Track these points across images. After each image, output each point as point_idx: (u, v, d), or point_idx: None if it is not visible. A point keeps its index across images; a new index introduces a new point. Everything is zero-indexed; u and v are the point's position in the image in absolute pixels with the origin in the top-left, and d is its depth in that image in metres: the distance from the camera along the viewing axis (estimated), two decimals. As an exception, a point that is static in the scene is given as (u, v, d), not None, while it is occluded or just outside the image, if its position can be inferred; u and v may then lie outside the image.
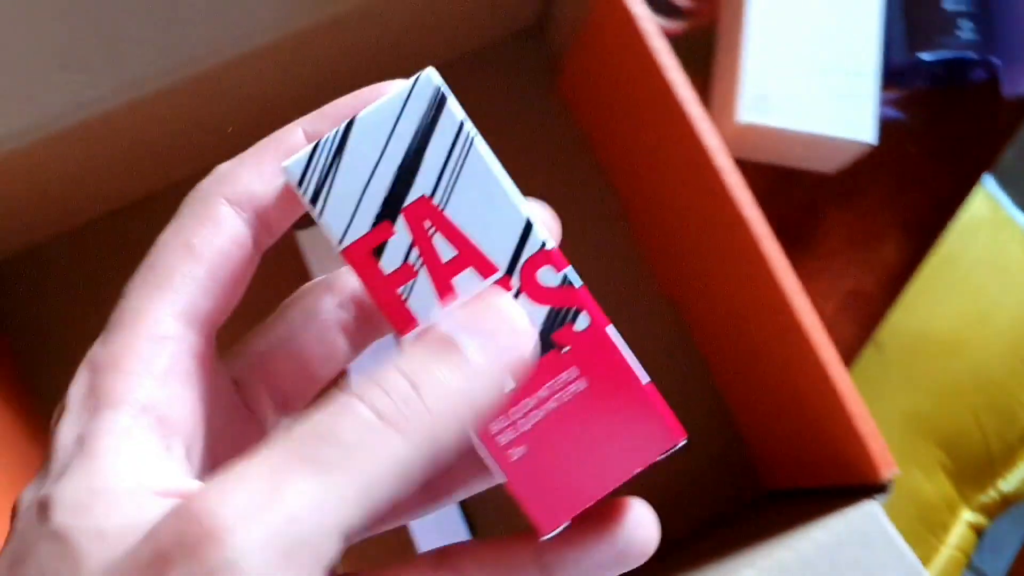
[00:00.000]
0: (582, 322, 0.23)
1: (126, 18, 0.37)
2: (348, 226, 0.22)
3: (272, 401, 0.26)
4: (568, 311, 0.23)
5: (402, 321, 0.22)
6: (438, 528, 0.45)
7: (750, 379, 0.48)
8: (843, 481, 0.42)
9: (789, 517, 0.42)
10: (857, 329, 0.54)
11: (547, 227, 0.23)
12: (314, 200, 0.22)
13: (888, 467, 0.39)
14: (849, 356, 0.54)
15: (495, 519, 0.49)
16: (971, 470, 0.55)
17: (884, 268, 0.55)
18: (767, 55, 0.50)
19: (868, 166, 0.55)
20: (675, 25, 0.56)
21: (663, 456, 0.23)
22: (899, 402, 0.55)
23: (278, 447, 0.19)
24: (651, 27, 0.41)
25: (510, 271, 0.22)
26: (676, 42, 0.54)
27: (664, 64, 0.41)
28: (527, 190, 0.57)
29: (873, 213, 0.55)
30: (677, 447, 0.23)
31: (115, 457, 0.20)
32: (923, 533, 0.55)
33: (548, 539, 0.22)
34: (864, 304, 0.55)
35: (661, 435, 0.23)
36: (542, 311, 0.23)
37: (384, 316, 0.22)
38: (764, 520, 0.46)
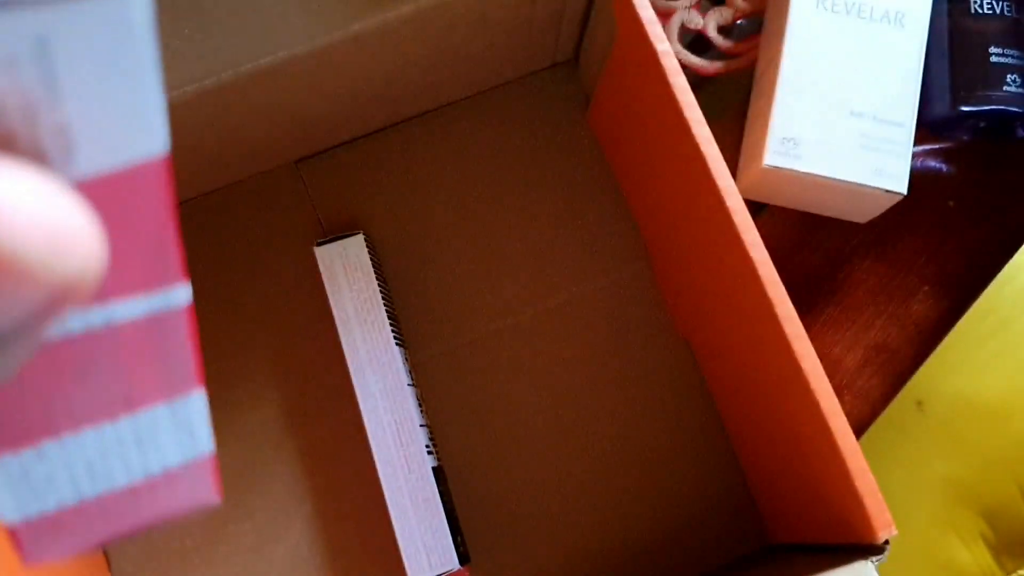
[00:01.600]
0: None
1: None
2: None
3: None
4: None
5: None
6: (420, 526, 0.45)
7: (757, 429, 0.47)
8: (843, 539, 0.41)
9: (785, 572, 0.41)
10: (881, 384, 0.53)
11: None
12: None
13: (885, 527, 0.37)
14: (872, 410, 0.53)
15: (480, 517, 0.49)
16: (1013, 543, 0.53)
17: (913, 323, 0.53)
18: (799, 99, 0.49)
19: (903, 217, 0.53)
20: (714, 66, 0.55)
21: None
22: (941, 467, 0.53)
23: None
24: (672, 63, 0.41)
25: None
26: (715, 84, 0.54)
27: (683, 101, 0.40)
28: (553, 225, 0.58)
29: (905, 266, 0.54)
30: None
31: None
32: (957, 604, 0.53)
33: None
34: (889, 359, 0.53)
35: None
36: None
37: None
38: (762, 573, 0.45)
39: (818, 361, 0.38)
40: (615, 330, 0.51)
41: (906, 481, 0.53)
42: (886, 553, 0.38)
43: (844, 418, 0.38)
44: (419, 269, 0.52)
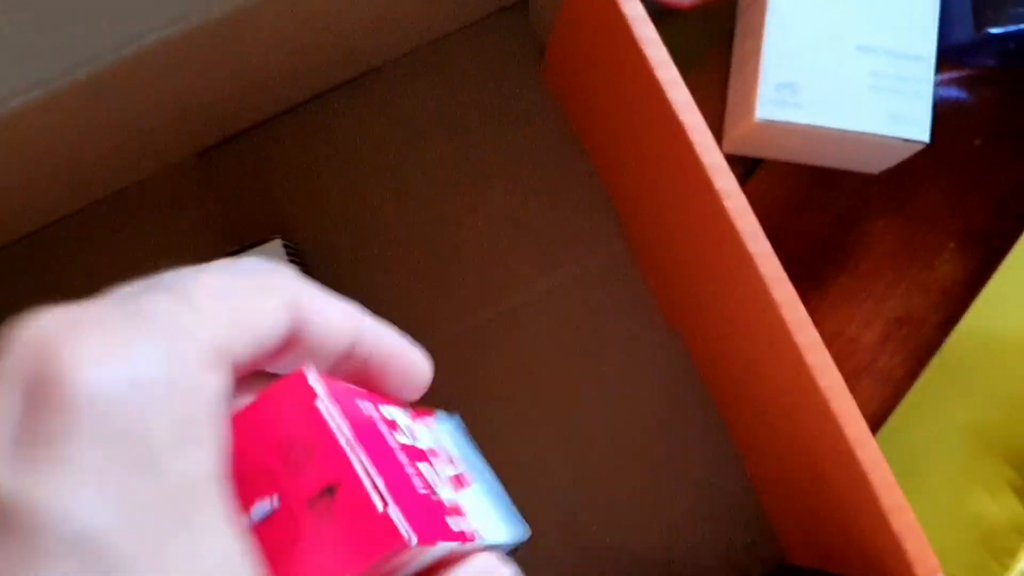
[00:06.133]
0: None
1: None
2: None
3: None
4: None
5: None
6: None
7: (765, 440, 0.40)
8: None
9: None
10: (905, 362, 0.46)
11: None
12: None
13: (930, 571, 0.31)
14: (895, 393, 0.46)
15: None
16: (1044, 490, 0.49)
17: (939, 289, 0.46)
18: (795, 35, 0.41)
19: (923, 163, 0.46)
20: (690, -4, 0.47)
21: None
22: (962, 413, 0.49)
23: None
24: (636, 10, 0.33)
25: None
26: (696, 16, 0.46)
27: (653, 58, 0.32)
28: (512, 205, 0.48)
29: (927, 222, 0.47)
30: None
31: None
32: (985, 560, 0.49)
33: None
34: (914, 332, 0.46)
35: None
36: None
37: None
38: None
39: (839, 377, 0.31)
40: (595, 324, 0.45)
41: (926, 436, 0.49)
42: (931, 601, 0.31)
43: (875, 446, 0.31)
44: (354, 271, 0.45)
